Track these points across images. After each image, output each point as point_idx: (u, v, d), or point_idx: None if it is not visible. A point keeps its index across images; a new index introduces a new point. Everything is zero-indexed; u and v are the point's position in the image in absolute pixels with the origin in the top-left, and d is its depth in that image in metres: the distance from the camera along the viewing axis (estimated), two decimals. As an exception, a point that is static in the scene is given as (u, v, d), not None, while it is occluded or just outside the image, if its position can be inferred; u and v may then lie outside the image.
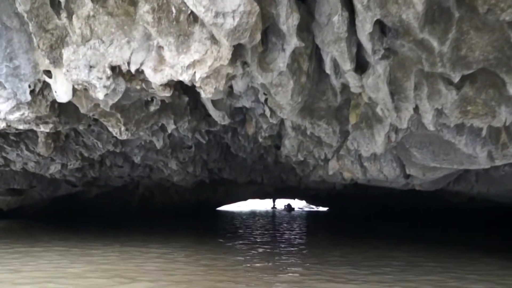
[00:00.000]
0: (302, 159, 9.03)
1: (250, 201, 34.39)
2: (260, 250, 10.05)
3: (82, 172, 11.23)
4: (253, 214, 27.63)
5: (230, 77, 4.49)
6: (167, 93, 4.68)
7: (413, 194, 17.66)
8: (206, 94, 4.24)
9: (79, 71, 4.35)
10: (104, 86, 4.34)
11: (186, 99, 7.03)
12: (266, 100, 5.85)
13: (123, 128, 5.98)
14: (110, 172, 11.79)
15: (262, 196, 27.99)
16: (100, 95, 4.42)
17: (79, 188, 13.69)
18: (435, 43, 4.03)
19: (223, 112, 6.79)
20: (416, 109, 4.88)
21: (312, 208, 40.55)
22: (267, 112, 6.34)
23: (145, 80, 4.60)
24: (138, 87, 4.71)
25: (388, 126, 5.86)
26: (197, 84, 4.17)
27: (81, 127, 6.92)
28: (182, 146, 10.69)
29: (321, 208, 38.42)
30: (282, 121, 8.58)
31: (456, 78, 4.21)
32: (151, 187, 17.64)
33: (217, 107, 6.75)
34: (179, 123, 7.28)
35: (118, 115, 5.86)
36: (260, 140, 9.43)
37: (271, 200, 40.46)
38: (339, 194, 22.56)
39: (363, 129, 6.35)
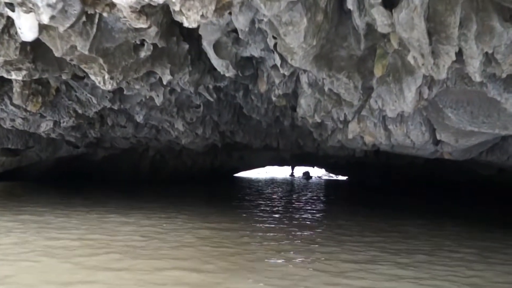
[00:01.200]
0: (319, 120, 8.08)
1: (269, 168, 33.74)
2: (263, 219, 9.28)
3: (80, 132, 10.48)
4: (269, 182, 26.91)
5: (225, 4, 3.55)
6: (142, 24, 3.78)
7: (438, 164, 16.67)
8: (190, 23, 3.33)
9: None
10: (48, 5, 3.43)
11: (186, 46, 6.12)
12: (275, 45, 4.91)
13: (107, 76, 5.13)
14: (113, 133, 11.02)
15: (280, 163, 27.13)
16: (44, 17, 3.52)
17: (82, 150, 12.98)
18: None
19: (227, 61, 5.87)
20: (459, 54, 3.90)
21: (332, 176, 39.85)
22: (277, 61, 5.41)
23: (112, 4, 3.69)
24: (105, 14, 3.81)
25: (421, 79, 4.89)
26: (176, 8, 3.26)
27: (64, 76, 6.07)
28: (189, 105, 9.82)
29: (340, 177, 37.68)
30: (297, 78, 7.64)
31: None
32: (162, 151, 16.93)
33: (220, 55, 5.82)
34: (178, 74, 6.39)
35: (101, 60, 4.99)
36: (274, 99, 8.51)
37: (289, 168, 39.86)
38: (358, 162, 21.63)
39: (390, 84, 5.38)
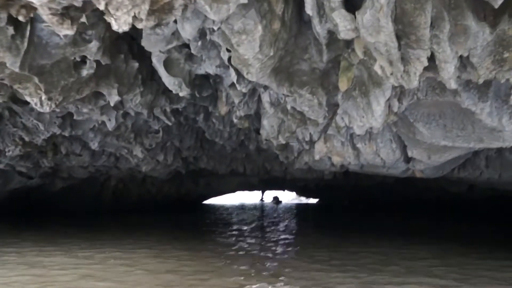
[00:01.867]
0: (284, 142, 7.62)
1: (239, 193, 33.11)
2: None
3: (31, 161, 9.74)
4: (237, 208, 26.28)
5: (164, 6, 3.06)
6: (67, 29, 3.24)
7: (407, 183, 16.43)
8: (120, 25, 2.82)
9: None
10: None
11: (136, 64, 5.62)
12: (229, 59, 4.44)
13: (44, 97, 4.56)
14: (68, 162, 10.30)
15: (248, 188, 26.53)
16: None
17: (37, 181, 12.15)
18: None
19: (180, 79, 5.37)
20: (431, 59, 3.49)
21: (302, 200, 39.44)
22: (233, 76, 4.93)
23: (29, 6, 3.15)
24: (21, 18, 3.27)
25: (390, 90, 4.48)
26: (101, 7, 2.76)
27: (0, 99, 5.45)
28: (147, 130, 9.24)
29: (311, 200, 37.30)
30: (259, 98, 7.20)
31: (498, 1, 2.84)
32: (124, 179, 16.17)
33: (171, 72, 5.32)
34: (128, 95, 5.87)
35: (36, 80, 4.43)
36: (235, 121, 8.04)
37: (260, 193, 39.29)
38: (328, 185, 21.27)
39: (357, 98, 4.97)
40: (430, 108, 5.03)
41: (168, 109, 7.75)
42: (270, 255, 7.99)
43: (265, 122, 7.44)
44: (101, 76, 5.16)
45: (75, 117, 6.93)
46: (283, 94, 6.11)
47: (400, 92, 4.65)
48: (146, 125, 8.93)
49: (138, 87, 5.84)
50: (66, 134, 7.73)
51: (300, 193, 34.83)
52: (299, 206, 29.87)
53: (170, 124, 8.17)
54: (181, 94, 5.60)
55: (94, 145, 8.85)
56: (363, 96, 4.83)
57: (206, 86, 6.74)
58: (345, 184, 18.46)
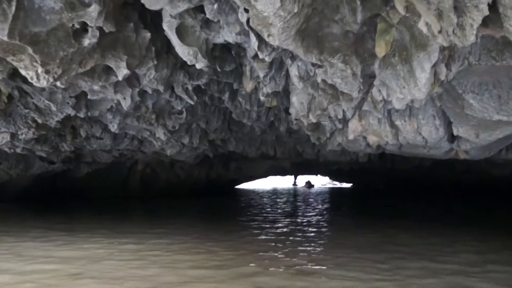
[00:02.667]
0: (314, 121, 7.01)
1: (271, 178, 32.68)
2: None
3: (51, 145, 9.39)
4: (270, 193, 25.80)
5: None
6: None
7: (446, 166, 15.55)
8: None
9: None
10: None
11: (148, 35, 5.09)
12: (248, 20, 3.85)
13: (40, 70, 4.08)
14: (89, 145, 9.94)
15: (280, 173, 25.95)
16: None
17: (60, 166, 11.88)
18: None
19: (195, 48, 4.81)
20: (492, 7, 2.82)
21: (335, 184, 38.87)
22: (254, 42, 4.34)
23: None
24: None
25: (437, 53, 3.80)
26: None
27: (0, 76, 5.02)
28: (170, 111, 8.76)
29: (345, 185, 36.68)
30: (287, 73, 6.60)
31: None
32: (152, 164, 15.84)
33: (185, 41, 4.77)
34: (141, 69, 5.35)
35: (30, 50, 3.94)
36: (262, 98, 7.47)
37: (292, 177, 38.91)
38: (362, 168, 20.53)
39: (396, 66, 4.31)
40: (483, 76, 4.32)
41: (189, 87, 7.23)
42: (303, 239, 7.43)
43: (294, 99, 6.84)
44: (106, 46, 4.65)
45: (89, 97, 6.48)
46: (312, 65, 5.51)
47: (448, 56, 3.96)
48: (168, 105, 8.44)
49: (151, 60, 5.31)
50: (82, 115, 7.30)
51: (333, 177, 34.19)
52: (333, 190, 29.17)
53: (192, 103, 7.65)
54: (198, 66, 5.05)
55: (114, 128, 8.42)
56: (404, 63, 4.17)
57: (228, 59, 6.18)
58: (380, 167, 17.68)
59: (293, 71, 5.89)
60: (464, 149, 6.44)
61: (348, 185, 35.92)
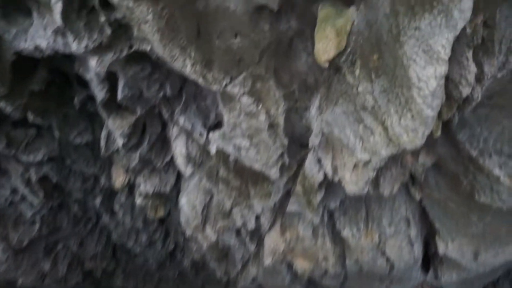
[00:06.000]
0: (214, 237, 4.66)
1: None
2: None
3: None
4: None
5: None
6: None
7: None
8: None
9: None
10: None
11: None
12: None
13: None
14: None
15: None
16: None
17: None
18: None
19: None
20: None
21: None
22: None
23: None
24: None
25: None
26: None
27: None
28: (17, 217, 6.12)
29: None
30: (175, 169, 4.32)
31: None
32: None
33: None
34: None
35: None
36: (138, 201, 5.04)
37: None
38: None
39: (365, 83, 2.15)
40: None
41: (32, 177, 4.73)
42: None
43: (183, 201, 4.48)
44: None
45: None
46: (203, 124, 3.27)
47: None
48: (12, 209, 5.81)
49: None
50: None
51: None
52: None
53: (37, 201, 5.08)
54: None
55: None
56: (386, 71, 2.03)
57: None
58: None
59: (177, 144, 3.62)
60: (439, 284, 4.11)
61: None
